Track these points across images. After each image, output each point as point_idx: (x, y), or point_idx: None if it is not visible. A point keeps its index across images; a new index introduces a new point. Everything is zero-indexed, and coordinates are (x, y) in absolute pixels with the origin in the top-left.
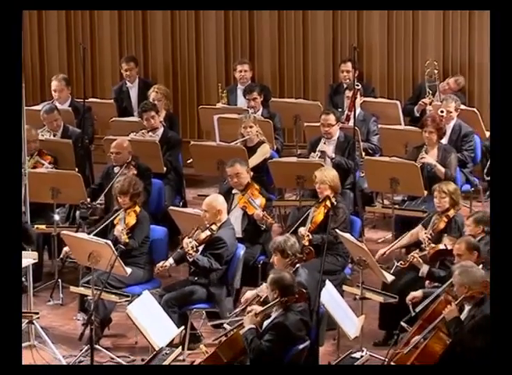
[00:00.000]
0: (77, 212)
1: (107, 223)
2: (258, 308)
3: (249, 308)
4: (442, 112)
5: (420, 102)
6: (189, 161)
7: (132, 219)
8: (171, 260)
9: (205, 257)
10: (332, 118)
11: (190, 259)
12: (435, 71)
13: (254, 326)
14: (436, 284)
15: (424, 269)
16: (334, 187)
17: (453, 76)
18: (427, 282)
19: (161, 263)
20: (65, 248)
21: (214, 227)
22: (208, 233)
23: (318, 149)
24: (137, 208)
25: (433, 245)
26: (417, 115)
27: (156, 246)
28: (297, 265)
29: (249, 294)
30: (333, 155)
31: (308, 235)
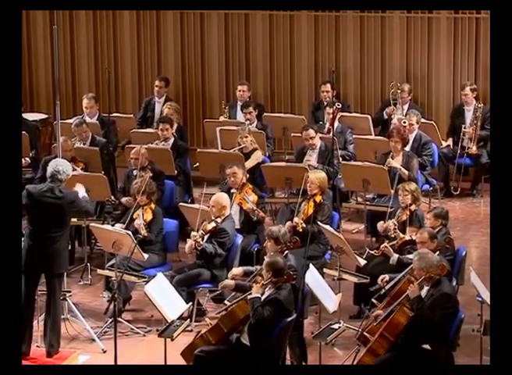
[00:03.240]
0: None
1: (129, 215)
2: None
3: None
4: (404, 123)
5: (386, 109)
6: (195, 165)
7: (149, 215)
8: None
9: (210, 244)
10: (311, 132)
11: (199, 248)
12: (398, 91)
13: (259, 295)
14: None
15: (395, 257)
16: (322, 187)
17: (401, 89)
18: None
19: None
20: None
21: (219, 220)
22: (213, 224)
23: (304, 160)
24: (152, 205)
25: (401, 235)
26: (386, 117)
27: (169, 236)
28: (286, 252)
29: (235, 270)
30: (316, 165)
31: (302, 223)
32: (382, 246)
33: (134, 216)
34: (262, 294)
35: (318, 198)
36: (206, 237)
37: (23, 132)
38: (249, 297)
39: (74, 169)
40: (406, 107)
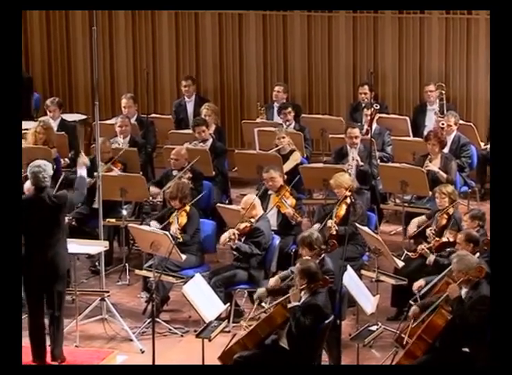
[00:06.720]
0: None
1: (164, 213)
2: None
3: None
4: (442, 124)
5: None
6: (234, 169)
7: (183, 219)
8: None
9: (246, 244)
10: (357, 131)
11: (234, 246)
12: (443, 91)
13: (299, 303)
14: None
15: (431, 258)
16: (349, 188)
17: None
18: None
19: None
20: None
21: (252, 220)
22: (247, 224)
23: (352, 157)
24: (187, 208)
25: (437, 239)
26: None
27: (206, 237)
28: (323, 255)
29: (272, 281)
30: (362, 163)
31: (335, 226)
32: (419, 248)
33: (170, 220)
34: (299, 300)
35: (349, 199)
36: (243, 239)
37: (63, 133)
38: (289, 306)
39: (111, 170)
40: (435, 106)
